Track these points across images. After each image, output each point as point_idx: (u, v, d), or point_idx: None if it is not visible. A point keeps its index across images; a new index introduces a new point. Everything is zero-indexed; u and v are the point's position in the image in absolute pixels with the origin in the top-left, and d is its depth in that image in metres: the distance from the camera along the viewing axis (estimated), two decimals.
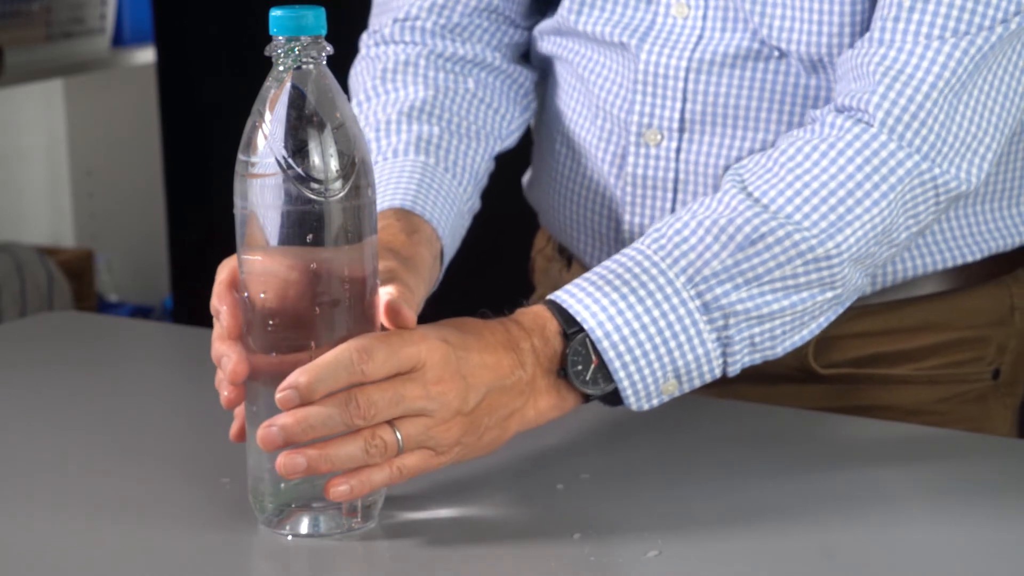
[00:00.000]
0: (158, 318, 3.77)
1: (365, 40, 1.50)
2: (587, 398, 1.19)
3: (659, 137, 1.39)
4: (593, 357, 1.18)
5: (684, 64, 1.37)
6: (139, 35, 3.77)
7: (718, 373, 1.22)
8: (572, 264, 1.52)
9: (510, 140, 1.47)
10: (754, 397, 1.41)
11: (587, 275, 1.21)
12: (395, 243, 1.23)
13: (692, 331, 1.19)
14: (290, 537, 1.11)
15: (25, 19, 3.54)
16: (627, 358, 1.18)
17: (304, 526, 1.11)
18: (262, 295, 1.09)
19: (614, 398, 1.20)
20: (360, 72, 1.47)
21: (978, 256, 1.41)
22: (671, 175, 1.39)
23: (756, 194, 1.22)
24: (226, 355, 1.11)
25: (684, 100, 1.37)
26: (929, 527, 1.14)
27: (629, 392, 1.19)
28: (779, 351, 1.24)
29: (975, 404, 1.44)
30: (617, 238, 1.44)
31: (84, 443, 1.30)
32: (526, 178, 1.58)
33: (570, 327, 1.18)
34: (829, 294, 1.23)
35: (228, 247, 1.13)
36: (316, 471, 1.08)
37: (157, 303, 3.89)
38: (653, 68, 1.38)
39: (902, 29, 1.25)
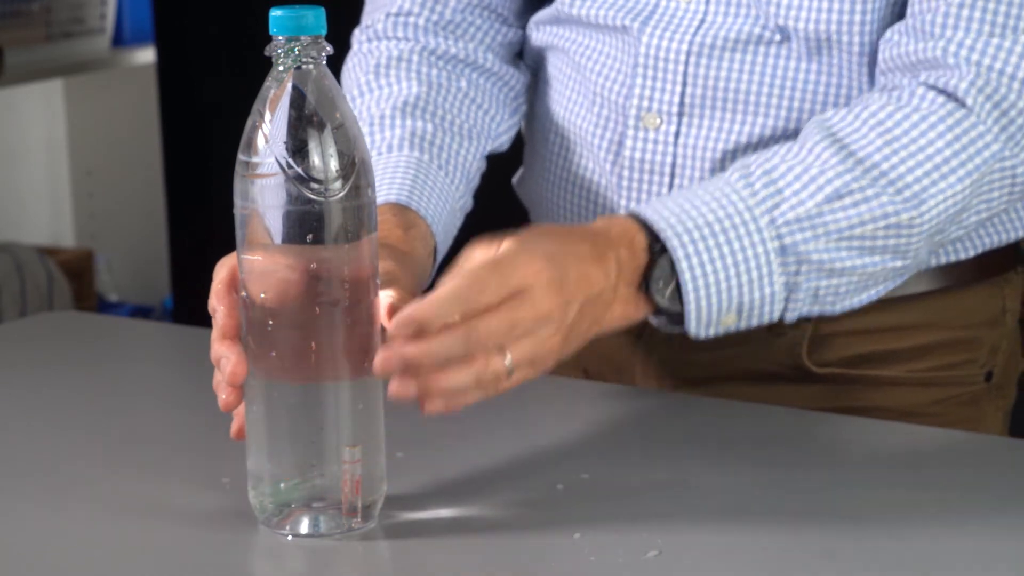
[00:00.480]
0: (158, 318, 3.77)
1: (357, 36, 1.50)
2: (657, 313, 1.21)
3: (658, 121, 1.39)
4: (673, 276, 1.20)
5: (685, 47, 1.37)
6: (139, 35, 3.77)
7: (776, 317, 1.24)
8: None
9: (499, 142, 1.47)
10: (748, 397, 1.41)
11: (674, 196, 1.23)
12: (391, 238, 1.24)
13: (765, 270, 1.21)
14: (290, 537, 1.11)
15: (25, 19, 3.54)
16: (700, 282, 1.20)
17: (304, 526, 1.11)
18: (262, 295, 1.09)
19: (674, 320, 1.22)
20: (353, 68, 1.47)
21: (971, 253, 1.41)
22: (669, 159, 1.39)
23: (845, 147, 1.24)
24: (225, 356, 1.11)
25: (684, 84, 1.38)
26: (927, 527, 1.14)
27: (693, 316, 1.21)
28: (837, 308, 1.26)
29: (969, 407, 1.44)
30: None
31: (84, 443, 1.30)
32: (516, 177, 1.58)
33: (656, 243, 1.20)
34: (899, 263, 1.25)
35: (228, 247, 1.13)
36: (426, 397, 1.09)
37: (157, 303, 3.89)
38: (654, 51, 1.38)
39: (966, 15, 1.26)
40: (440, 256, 1.33)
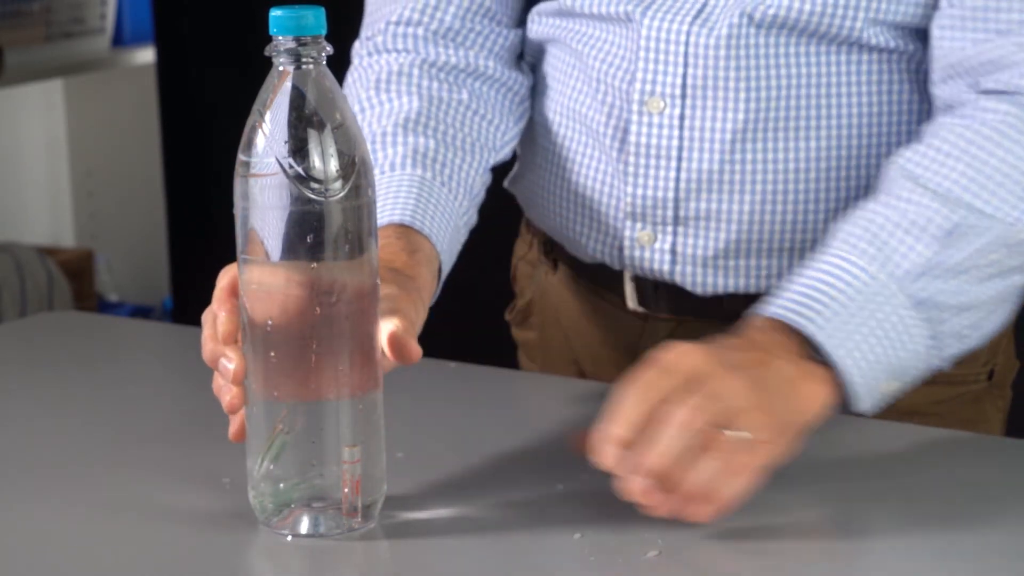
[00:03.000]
0: (158, 318, 3.77)
1: (357, 49, 1.49)
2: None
3: (662, 104, 1.38)
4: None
5: (686, 28, 1.37)
6: (139, 35, 3.77)
7: (929, 366, 1.24)
8: (559, 266, 1.52)
9: (504, 151, 1.46)
10: None
11: (806, 293, 1.20)
12: (396, 262, 1.23)
13: (905, 325, 1.21)
14: (290, 537, 1.11)
15: (25, 19, 3.55)
16: (869, 377, 1.20)
17: (304, 526, 1.11)
18: (261, 295, 1.09)
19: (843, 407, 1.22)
20: (354, 83, 1.46)
21: None
22: (675, 143, 1.38)
23: (938, 190, 1.23)
24: (225, 355, 1.11)
25: (686, 65, 1.37)
26: (927, 527, 1.14)
27: (863, 394, 1.20)
28: (975, 341, 1.26)
29: (971, 406, 1.44)
30: (616, 213, 1.42)
31: (84, 443, 1.30)
32: (510, 176, 1.57)
33: (816, 352, 1.19)
34: (1019, 276, 1.26)
35: (228, 247, 1.13)
36: (687, 502, 1.11)
37: (157, 303, 3.90)
38: (656, 34, 1.38)
39: (1018, 6, 1.26)
40: (444, 275, 1.33)
